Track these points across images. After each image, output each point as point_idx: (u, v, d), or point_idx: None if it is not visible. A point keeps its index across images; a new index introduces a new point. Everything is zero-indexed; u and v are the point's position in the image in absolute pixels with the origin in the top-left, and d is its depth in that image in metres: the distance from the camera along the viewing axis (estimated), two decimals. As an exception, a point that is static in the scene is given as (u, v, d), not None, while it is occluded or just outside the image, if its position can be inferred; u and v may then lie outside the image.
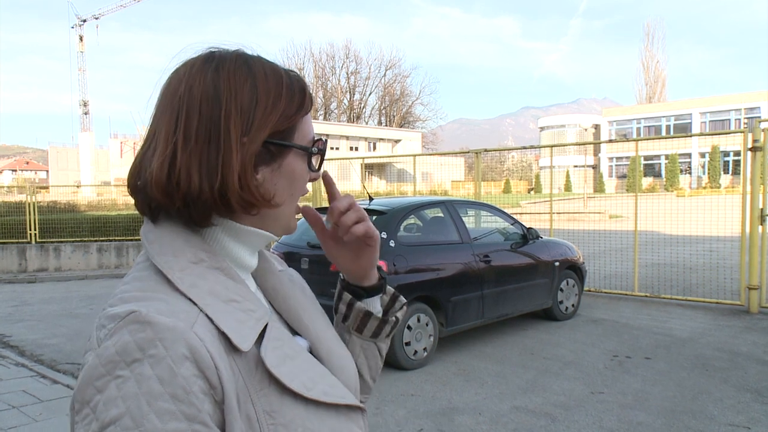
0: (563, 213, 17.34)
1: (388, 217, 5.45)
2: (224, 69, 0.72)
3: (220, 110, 0.69)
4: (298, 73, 0.79)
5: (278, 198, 0.74)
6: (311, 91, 0.78)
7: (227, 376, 0.63)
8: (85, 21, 50.28)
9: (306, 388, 0.69)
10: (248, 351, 0.67)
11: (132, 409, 0.58)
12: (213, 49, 0.75)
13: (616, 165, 48.05)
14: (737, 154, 34.08)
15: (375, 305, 0.93)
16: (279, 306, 0.84)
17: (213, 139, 0.69)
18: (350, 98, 67.52)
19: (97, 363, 0.60)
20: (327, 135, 47.90)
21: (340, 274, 0.94)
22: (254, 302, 0.72)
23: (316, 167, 0.79)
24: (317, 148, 0.78)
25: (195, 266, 0.70)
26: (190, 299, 0.66)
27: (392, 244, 5.22)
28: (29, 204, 12.65)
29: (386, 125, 65.40)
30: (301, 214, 0.83)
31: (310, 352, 0.81)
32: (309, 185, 0.80)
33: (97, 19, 50.34)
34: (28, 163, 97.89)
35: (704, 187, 35.61)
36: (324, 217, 0.84)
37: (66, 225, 12.89)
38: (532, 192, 39.44)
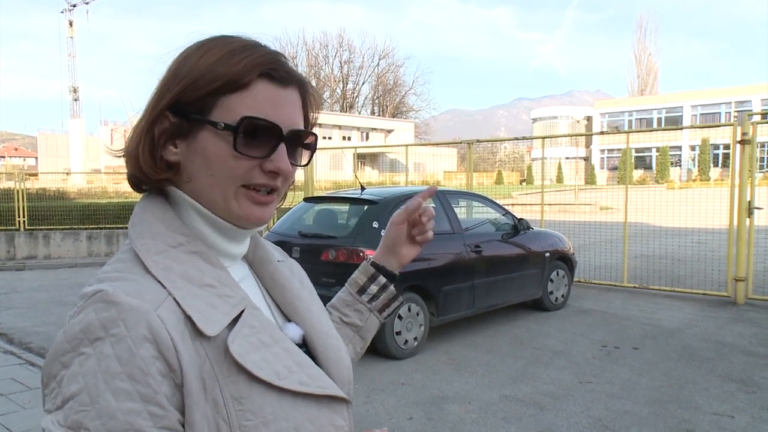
0: (554, 204, 17.39)
1: (380, 207, 5.45)
2: (192, 45, 0.74)
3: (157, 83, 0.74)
4: (273, 53, 0.74)
5: (191, 174, 0.73)
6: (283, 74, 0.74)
7: (189, 360, 0.63)
8: (75, 6, 49.56)
9: (278, 376, 0.68)
10: (218, 336, 0.66)
11: (90, 386, 0.59)
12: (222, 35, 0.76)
13: (607, 157, 48.22)
14: (727, 147, 34.27)
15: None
16: (276, 295, 0.84)
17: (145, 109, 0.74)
18: (343, 87, 67.21)
19: (63, 339, 0.62)
20: (319, 124, 47.57)
21: (370, 260, 1.08)
22: (232, 288, 0.71)
23: (261, 153, 0.72)
24: (242, 129, 0.70)
25: (173, 250, 0.70)
26: (160, 282, 0.66)
27: (384, 233, 5.23)
28: (18, 191, 12.53)
29: (379, 115, 65.19)
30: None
31: (304, 341, 0.80)
32: (261, 171, 0.73)
33: (87, 4, 49.60)
34: (16, 149, 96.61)
35: (694, 180, 35.84)
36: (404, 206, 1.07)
37: (55, 212, 12.79)
38: (524, 183, 39.53)
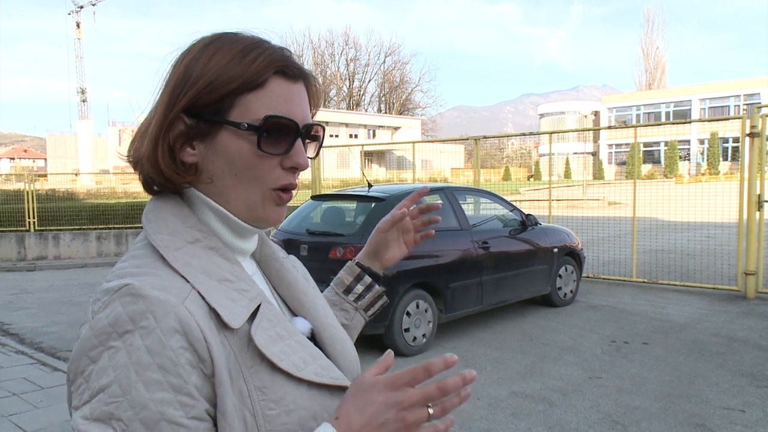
0: (562, 200, 17.33)
1: (386, 204, 5.45)
2: (197, 45, 0.74)
3: (164, 85, 0.74)
4: (283, 52, 0.76)
5: (212, 175, 0.73)
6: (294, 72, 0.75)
7: (218, 351, 0.64)
8: (82, 7, 49.79)
9: (297, 367, 0.70)
10: (240, 329, 0.68)
11: (121, 378, 0.59)
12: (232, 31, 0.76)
13: (615, 152, 47.95)
14: (736, 140, 33.99)
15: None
16: (282, 291, 0.86)
17: (156, 112, 0.73)
18: (349, 85, 67.24)
19: (91, 334, 0.62)
20: (326, 122, 47.70)
21: (356, 261, 1.11)
22: (248, 283, 0.73)
23: (281, 150, 0.73)
24: (265, 127, 0.71)
25: (191, 246, 0.71)
26: (183, 276, 0.67)
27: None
28: (27, 192, 12.64)
29: (386, 112, 65.13)
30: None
31: (312, 335, 0.82)
32: (283, 172, 0.75)
33: (94, 5, 49.83)
34: (26, 151, 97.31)
35: (703, 174, 35.55)
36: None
37: (65, 213, 12.90)
38: (532, 179, 39.40)
